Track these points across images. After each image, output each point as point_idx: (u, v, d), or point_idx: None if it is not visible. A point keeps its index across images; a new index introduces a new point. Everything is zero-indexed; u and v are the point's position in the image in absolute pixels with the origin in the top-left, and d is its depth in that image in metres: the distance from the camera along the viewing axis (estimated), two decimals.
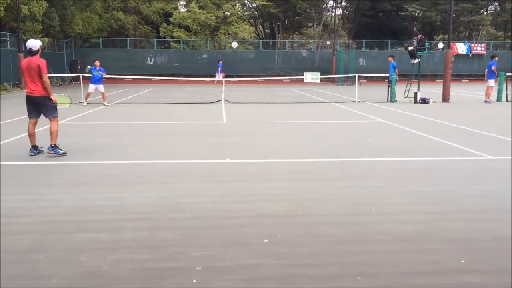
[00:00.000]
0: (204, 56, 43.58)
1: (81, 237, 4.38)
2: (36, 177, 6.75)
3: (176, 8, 44.57)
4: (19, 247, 4.13)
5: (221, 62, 34.81)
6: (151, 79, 34.81)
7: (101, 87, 18.08)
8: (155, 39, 44.20)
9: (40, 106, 8.15)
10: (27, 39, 30.32)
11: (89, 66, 19.21)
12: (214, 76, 34.01)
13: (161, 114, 15.41)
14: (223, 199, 5.67)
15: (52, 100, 8.15)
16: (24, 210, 5.19)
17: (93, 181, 6.49)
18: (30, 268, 3.73)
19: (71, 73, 35.12)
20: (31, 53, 8.07)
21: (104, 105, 17.80)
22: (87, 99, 18.37)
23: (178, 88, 31.42)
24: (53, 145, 8.08)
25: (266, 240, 4.32)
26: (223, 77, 30.77)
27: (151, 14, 43.76)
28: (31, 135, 8.18)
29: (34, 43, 8.07)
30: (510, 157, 8.27)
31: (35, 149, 8.22)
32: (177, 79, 35.59)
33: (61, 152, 8.09)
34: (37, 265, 3.79)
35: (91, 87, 18.05)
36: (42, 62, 8.00)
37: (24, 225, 4.71)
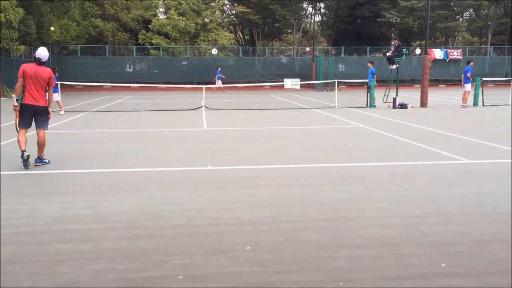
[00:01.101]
0: (184, 63, 43.47)
1: (61, 248, 4.31)
2: (14, 187, 6.62)
3: (155, 15, 44.42)
4: None
5: (219, 69, 34.88)
6: (130, 86, 34.53)
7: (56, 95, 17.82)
8: (134, 46, 43.97)
9: (38, 116, 7.96)
10: (3, 47, 30.13)
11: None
12: (193, 83, 33.98)
13: (141, 121, 15.30)
14: (205, 206, 5.63)
15: (49, 114, 8.11)
16: (2, 220, 5.08)
17: (73, 190, 6.40)
18: (8, 280, 3.65)
19: None
20: (39, 62, 7.93)
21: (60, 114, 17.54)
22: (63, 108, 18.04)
23: (158, 95, 31.26)
24: (40, 156, 7.99)
25: (248, 247, 4.31)
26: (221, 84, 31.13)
27: (129, 21, 43.56)
28: (22, 142, 7.87)
29: (45, 54, 7.97)
30: (487, 161, 8.41)
31: (21, 155, 7.76)
32: (157, 86, 35.43)
33: (46, 161, 8.04)
34: (16, 277, 3.71)
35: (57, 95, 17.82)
36: (53, 75, 8.03)
37: (2, 236, 4.61)
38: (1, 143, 10.35)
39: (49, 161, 8.08)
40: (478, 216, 5.24)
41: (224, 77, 34.99)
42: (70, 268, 3.87)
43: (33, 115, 7.94)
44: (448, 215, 5.29)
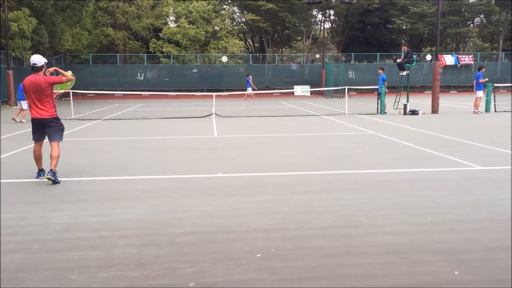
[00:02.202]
0: (194, 70, 43.67)
1: (71, 255, 4.33)
2: (24, 195, 6.68)
3: (166, 23, 44.78)
4: (8, 267, 4.07)
5: (250, 76, 35.02)
6: (141, 94, 34.78)
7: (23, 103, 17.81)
8: (145, 55, 44.28)
9: (47, 128, 7.52)
10: (16, 56, 30.51)
11: None
12: (203, 90, 34.11)
13: (152, 129, 15.37)
14: (215, 213, 5.64)
15: (60, 124, 7.67)
16: (13, 228, 5.13)
17: (83, 198, 6.44)
18: None
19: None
20: (35, 69, 7.42)
21: (16, 120, 17.50)
22: (23, 117, 17.86)
23: (168, 103, 31.42)
24: (54, 170, 7.31)
25: (258, 255, 4.30)
26: (252, 90, 31.35)
27: (140, 30, 43.92)
28: (39, 158, 7.62)
29: (38, 59, 7.44)
30: (499, 167, 8.33)
31: (42, 173, 7.60)
32: (167, 94, 35.63)
33: (57, 180, 7.30)
34: (27, 285, 3.74)
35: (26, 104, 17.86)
36: (51, 78, 7.50)
37: (13, 243, 4.65)
38: (13, 152, 10.45)
39: (59, 181, 7.30)
40: (490, 223, 5.19)
41: (255, 88, 34.83)
42: (81, 275, 3.89)
43: (43, 128, 7.54)
44: (459, 222, 5.24)
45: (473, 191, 6.70)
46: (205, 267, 4.05)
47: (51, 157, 7.39)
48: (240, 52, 47.92)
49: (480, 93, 20.30)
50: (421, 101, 27.92)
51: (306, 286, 3.68)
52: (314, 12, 51.37)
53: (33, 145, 7.73)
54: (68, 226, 5.21)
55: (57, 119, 7.63)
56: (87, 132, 14.76)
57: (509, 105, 23.61)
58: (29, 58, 29.31)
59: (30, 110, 7.56)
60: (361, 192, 6.65)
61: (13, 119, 17.63)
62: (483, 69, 20.83)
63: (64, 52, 39.30)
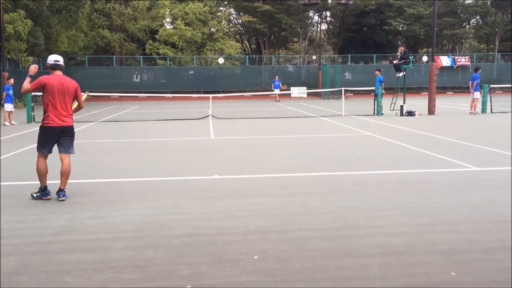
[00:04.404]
0: (191, 72, 43.64)
1: (68, 258, 4.31)
2: (20, 197, 6.64)
3: (162, 25, 44.71)
4: (4, 270, 4.04)
5: (277, 77, 35.18)
6: (137, 96, 34.66)
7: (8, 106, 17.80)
8: (141, 56, 44.21)
9: (64, 138, 6.52)
10: (11, 58, 30.40)
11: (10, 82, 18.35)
12: (200, 92, 34.09)
13: (148, 131, 15.34)
14: (212, 215, 5.62)
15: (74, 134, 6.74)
16: (10, 231, 5.10)
17: (79, 200, 6.41)
18: None
19: None
20: (58, 67, 6.49)
21: (6, 124, 17.43)
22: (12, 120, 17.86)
23: (165, 104, 31.38)
24: (63, 188, 6.50)
25: (256, 257, 4.29)
26: (280, 91, 31.48)
27: (137, 32, 43.85)
28: (46, 173, 6.50)
29: (60, 57, 6.60)
30: (496, 168, 8.34)
31: (46, 192, 6.52)
32: (163, 96, 35.54)
33: (66, 195, 6.50)
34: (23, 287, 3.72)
35: (11, 106, 17.83)
36: (77, 85, 6.74)
37: (10, 246, 4.62)
38: (11, 153, 10.41)
39: (66, 197, 6.48)
40: (487, 224, 5.19)
41: (283, 87, 34.83)
42: (77, 278, 3.87)
43: (59, 138, 6.49)
44: (457, 223, 5.24)
45: (471, 192, 6.71)
46: (202, 269, 4.03)
47: (62, 173, 6.47)
48: (236, 54, 47.87)
49: (477, 94, 20.37)
50: (417, 102, 27.97)
51: (303, 287, 3.67)
52: (311, 14, 51.41)
53: (37, 157, 6.54)
54: (64, 228, 5.18)
55: (73, 128, 6.74)
56: (83, 134, 14.70)
57: (505, 106, 23.68)
58: (24, 60, 28.91)
59: (49, 116, 6.39)
60: (359, 193, 6.65)
61: (4, 124, 17.45)
62: (479, 70, 20.90)
63: (60, 54, 39.16)
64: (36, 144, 6.66)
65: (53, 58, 6.49)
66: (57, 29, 34.55)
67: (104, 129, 15.93)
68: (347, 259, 4.23)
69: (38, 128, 6.59)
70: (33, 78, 6.53)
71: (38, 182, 6.50)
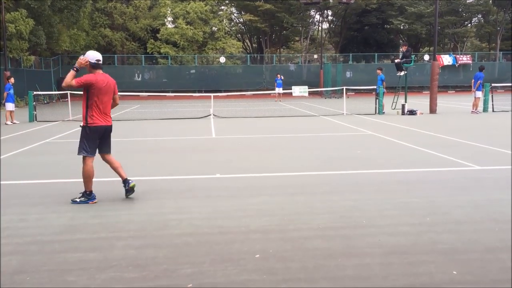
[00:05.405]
0: (192, 71, 43.67)
1: (69, 257, 4.31)
2: (22, 197, 6.65)
3: (164, 24, 44.74)
4: (6, 269, 4.05)
5: (278, 76, 34.53)
6: (139, 95, 34.70)
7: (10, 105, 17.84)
8: (143, 56, 44.24)
9: (107, 138, 6.43)
10: (13, 57, 30.43)
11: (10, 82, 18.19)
12: (201, 91, 34.06)
13: (149, 130, 15.34)
14: (213, 215, 5.62)
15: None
16: (12, 230, 5.10)
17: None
18: None
19: (58, 90, 34.96)
20: (99, 66, 6.27)
21: (6, 124, 17.42)
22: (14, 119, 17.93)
23: (166, 104, 31.39)
24: (126, 177, 6.44)
25: (257, 256, 4.29)
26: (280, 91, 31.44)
27: (138, 31, 43.88)
28: (92, 178, 6.29)
29: (100, 56, 6.41)
30: (498, 167, 8.33)
31: (93, 196, 6.33)
32: (165, 95, 35.59)
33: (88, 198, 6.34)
34: (25, 287, 3.72)
35: (12, 105, 17.86)
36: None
37: (12, 245, 4.62)
38: (12, 152, 10.42)
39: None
40: (489, 224, 5.18)
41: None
42: (79, 277, 3.87)
43: (103, 137, 6.36)
44: (458, 223, 5.23)
45: (473, 191, 6.70)
46: (204, 268, 4.04)
47: (118, 167, 6.44)
48: (238, 53, 47.88)
49: (479, 94, 20.35)
50: (419, 101, 27.94)
51: (305, 286, 3.67)
52: (312, 13, 51.42)
53: (84, 160, 6.23)
54: (66, 227, 5.19)
55: None
56: None
57: (506, 104, 23.64)
58: (26, 59, 28.81)
59: (94, 116, 6.17)
60: (360, 192, 6.65)
61: (6, 123, 17.46)
62: (484, 70, 20.88)
63: (62, 53, 39.23)
64: (79, 149, 6.25)
65: (94, 57, 6.21)
66: (59, 28, 34.60)
67: None
68: (348, 258, 4.22)
69: (81, 129, 6.26)
70: (77, 72, 6.10)
71: (38, 182, 6.50)
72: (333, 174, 8.00)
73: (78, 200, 6.24)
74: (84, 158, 6.22)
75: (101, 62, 6.28)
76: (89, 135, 6.18)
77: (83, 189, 6.28)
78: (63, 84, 6.12)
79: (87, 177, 6.20)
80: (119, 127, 16.34)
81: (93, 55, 6.23)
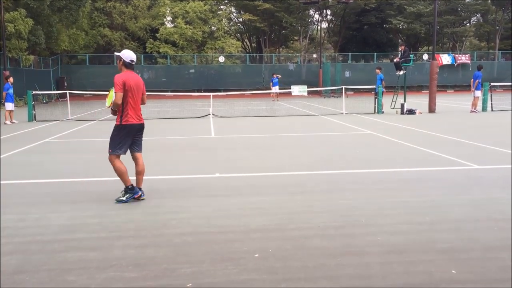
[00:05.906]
0: (191, 71, 43.66)
1: (69, 256, 4.31)
2: (22, 196, 6.65)
3: (163, 24, 44.69)
4: (6, 269, 4.05)
5: (274, 75, 33.92)
6: None
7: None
8: (142, 55, 44.21)
9: (139, 136, 6.45)
10: (12, 57, 30.41)
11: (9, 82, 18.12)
12: (200, 91, 34.02)
13: (149, 129, 15.26)
14: (213, 214, 5.63)
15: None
16: (11, 230, 5.10)
17: (80, 199, 6.41)
18: None
19: (57, 90, 34.93)
20: (132, 66, 6.31)
21: (6, 123, 17.38)
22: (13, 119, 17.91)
23: (165, 103, 31.37)
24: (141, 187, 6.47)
25: (257, 255, 4.29)
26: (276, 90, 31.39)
27: (137, 30, 43.85)
28: (126, 172, 6.26)
29: (135, 56, 6.40)
30: (497, 166, 8.34)
31: (136, 190, 6.35)
32: (164, 95, 35.56)
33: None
34: (25, 286, 3.72)
35: (11, 105, 17.83)
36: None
37: (11, 245, 4.62)
38: (12, 152, 10.42)
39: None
40: (488, 222, 5.19)
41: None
42: (79, 276, 3.87)
43: (134, 136, 6.37)
44: (458, 221, 5.24)
45: (472, 190, 6.70)
46: (204, 267, 4.04)
47: (140, 172, 6.43)
48: (237, 52, 47.86)
49: (478, 93, 20.36)
50: (418, 101, 27.95)
51: (305, 286, 3.67)
52: (311, 12, 51.38)
53: (112, 160, 6.26)
54: (66, 227, 5.19)
55: None
56: (84, 133, 14.72)
57: (506, 104, 23.64)
58: (25, 59, 28.83)
59: (129, 114, 6.17)
60: (360, 191, 6.65)
61: (5, 123, 17.43)
62: (482, 69, 20.89)
63: (61, 53, 39.18)
64: (109, 147, 6.27)
65: (129, 57, 6.24)
66: (58, 28, 34.56)
67: (105, 128, 15.91)
68: (348, 257, 4.23)
69: (113, 127, 6.25)
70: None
71: (38, 181, 6.49)
72: (332, 173, 8.00)
73: (124, 198, 6.22)
74: (111, 158, 6.24)
75: (134, 62, 6.32)
76: (122, 133, 6.20)
77: (83, 189, 6.28)
78: (115, 107, 6.17)
79: (121, 174, 6.22)
80: None
81: (128, 54, 6.28)
